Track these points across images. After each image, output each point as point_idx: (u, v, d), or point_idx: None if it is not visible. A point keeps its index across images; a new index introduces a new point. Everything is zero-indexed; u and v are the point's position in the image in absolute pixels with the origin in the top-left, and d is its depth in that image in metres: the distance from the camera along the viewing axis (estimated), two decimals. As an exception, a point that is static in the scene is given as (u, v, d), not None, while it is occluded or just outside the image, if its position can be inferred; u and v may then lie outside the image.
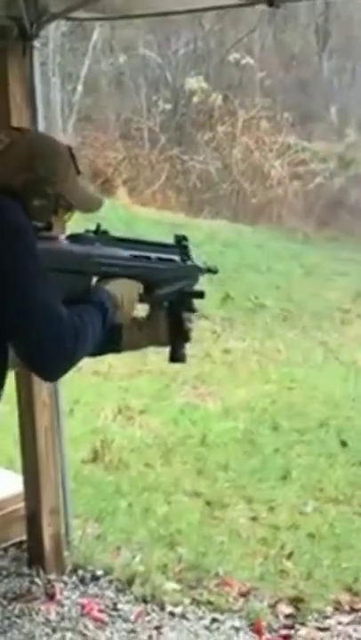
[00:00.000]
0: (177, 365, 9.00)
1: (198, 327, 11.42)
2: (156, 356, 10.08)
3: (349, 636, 3.71)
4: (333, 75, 21.34)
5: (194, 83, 17.49)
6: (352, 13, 22.15)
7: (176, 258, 2.33)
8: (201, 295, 2.34)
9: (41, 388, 3.65)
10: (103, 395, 8.15)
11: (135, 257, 2.25)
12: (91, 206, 2.24)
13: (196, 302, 2.38)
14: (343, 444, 7.17)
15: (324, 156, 17.20)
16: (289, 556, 4.63)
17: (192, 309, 2.35)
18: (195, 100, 17.44)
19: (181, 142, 17.73)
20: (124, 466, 6.24)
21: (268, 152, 17.06)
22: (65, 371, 2.04)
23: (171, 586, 3.80)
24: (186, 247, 2.36)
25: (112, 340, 2.24)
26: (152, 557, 4.10)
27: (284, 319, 12.25)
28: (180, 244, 2.35)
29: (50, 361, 1.99)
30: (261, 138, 17.18)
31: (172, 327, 2.33)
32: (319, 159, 17.17)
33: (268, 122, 17.48)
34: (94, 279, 2.20)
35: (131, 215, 15.37)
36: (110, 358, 9.35)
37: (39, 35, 3.33)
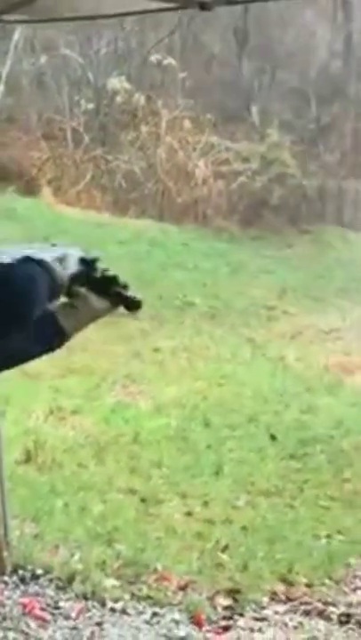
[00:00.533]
0: (106, 364, 9.03)
1: (126, 326, 11.53)
2: (84, 354, 10.13)
3: (286, 625, 3.82)
4: (253, 76, 21.53)
5: (116, 83, 17.50)
6: (270, 15, 22.41)
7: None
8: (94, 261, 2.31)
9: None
10: (34, 395, 8.14)
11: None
12: None
13: None
14: (273, 438, 7.31)
15: (246, 155, 17.36)
16: (224, 549, 4.73)
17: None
18: (118, 99, 17.46)
19: (105, 142, 17.73)
20: (57, 466, 6.26)
21: (191, 152, 17.16)
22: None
23: (110, 582, 3.86)
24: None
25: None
26: (91, 555, 4.16)
27: (211, 317, 12.37)
28: None
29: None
30: (185, 138, 17.28)
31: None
32: (242, 159, 17.32)
33: (191, 122, 17.58)
34: None
35: (55, 215, 15.34)
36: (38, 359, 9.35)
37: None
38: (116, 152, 17.36)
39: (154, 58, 17.72)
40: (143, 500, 5.56)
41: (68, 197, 16.23)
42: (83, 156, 17.02)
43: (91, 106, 17.69)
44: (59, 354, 7.88)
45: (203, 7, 3.12)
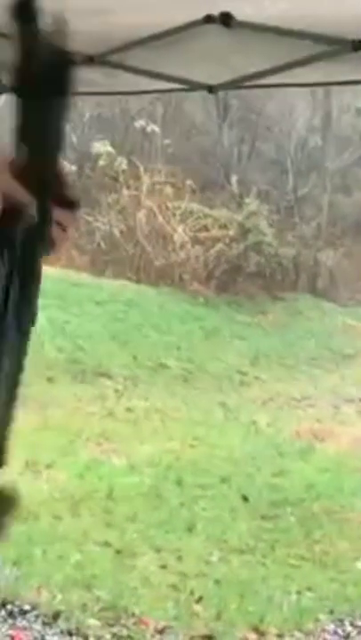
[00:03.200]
0: (80, 422, 9.18)
1: (101, 385, 11.69)
2: (59, 410, 10.28)
3: (258, 671, 3.97)
4: (233, 145, 22.05)
5: (100, 147, 17.89)
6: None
7: None
8: None
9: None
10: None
11: None
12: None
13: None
14: (245, 499, 7.48)
15: (224, 222, 17.75)
16: (198, 600, 4.88)
17: None
18: (100, 163, 17.83)
19: (86, 204, 18.06)
20: (33, 517, 6.36)
21: (171, 217, 17.52)
22: None
23: (93, 622, 4.00)
24: None
25: None
26: (72, 597, 4.29)
27: (184, 379, 12.57)
28: None
29: None
30: (165, 203, 17.65)
31: None
32: (220, 226, 17.70)
33: (172, 188, 17.98)
34: None
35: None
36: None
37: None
38: (96, 214, 17.68)
39: (138, 124, 18.16)
40: (118, 552, 5.70)
41: (47, 256, 16.45)
42: (63, 216, 17.29)
43: (73, 168, 18.03)
44: (33, 409, 8.19)
45: (210, 90, 3.39)
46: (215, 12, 2.88)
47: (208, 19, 2.92)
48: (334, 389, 13.43)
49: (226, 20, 2.89)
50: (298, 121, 22.23)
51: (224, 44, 2.99)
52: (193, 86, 3.46)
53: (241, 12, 2.87)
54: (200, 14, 2.92)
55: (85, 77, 3.37)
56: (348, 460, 9.63)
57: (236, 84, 3.35)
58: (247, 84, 3.36)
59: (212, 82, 3.38)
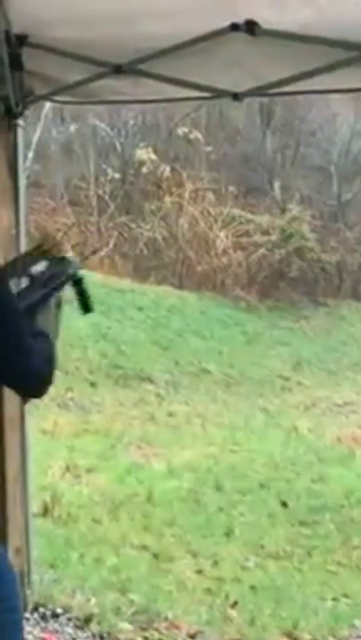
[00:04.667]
0: (121, 426, 9.26)
1: (142, 390, 11.75)
2: (100, 415, 10.36)
3: None
4: (276, 151, 22.02)
5: (143, 154, 17.96)
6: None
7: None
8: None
9: (12, 435, 3.90)
10: (51, 453, 8.33)
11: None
12: None
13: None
14: (283, 504, 7.47)
15: (266, 228, 17.73)
16: (233, 605, 4.89)
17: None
18: (143, 170, 17.91)
19: (129, 210, 18.16)
20: (72, 520, 6.44)
21: (213, 223, 17.54)
22: (44, 388, 2.36)
23: (125, 626, 4.03)
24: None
25: None
26: (106, 600, 4.33)
27: (226, 385, 12.58)
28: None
29: (34, 382, 2.32)
30: (207, 209, 17.68)
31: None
32: (262, 231, 17.68)
33: (214, 194, 18.00)
34: None
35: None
36: (55, 417, 9.60)
37: (24, 114, 3.66)
38: (139, 220, 17.76)
39: (180, 131, 18.20)
40: (155, 556, 5.73)
41: (91, 262, 16.56)
42: (107, 224, 17.43)
43: (117, 175, 18.14)
44: (75, 413, 8.30)
45: (235, 98, 3.42)
46: (240, 19, 2.91)
47: (234, 27, 2.95)
48: (377, 395, 13.36)
49: (251, 27, 2.92)
50: (342, 126, 22.14)
51: (249, 51, 3.02)
52: (218, 94, 3.49)
53: (265, 20, 2.90)
54: (225, 22, 2.95)
55: (113, 86, 3.43)
56: (389, 465, 9.58)
57: (261, 91, 3.37)
58: (272, 91, 3.38)
59: (238, 89, 3.41)
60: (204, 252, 17.22)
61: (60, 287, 2.56)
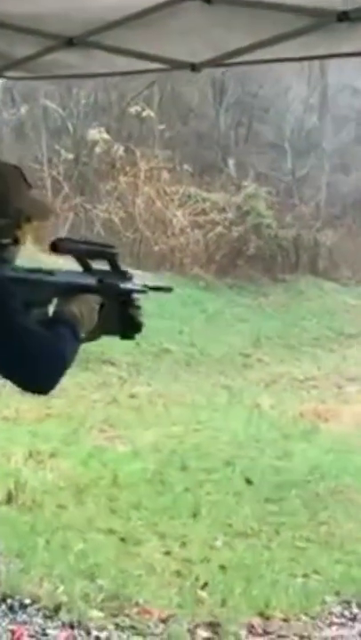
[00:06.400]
0: (84, 409, 9.16)
1: (104, 373, 11.66)
2: (62, 399, 10.24)
3: (264, 657, 3.93)
4: (230, 128, 21.94)
5: (96, 133, 17.79)
6: (247, 69, 22.87)
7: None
8: (144, 292, 2.63)
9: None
10: (13, 439, 8.22)
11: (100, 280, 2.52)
12: (45, 214, 2.49)
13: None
14: (249, 482, 7.43)
15: (223, 206, 17.67)
16: (203, 586, 4.83)
17: (137, 306, 2.62)
18: (97, 150, 17.74)
19: (84, 191, 17.98)
20: (37, 507, 6.34)
21: (169, 202, 17.44)
22: (56, 382, 2.33)
23: (95, 613, 3.97)
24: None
25: None
26: (74, 588, 4.26)
27: (187, 364, 12.54)
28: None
29: (44, 377, 2.24)
30: (163, 188, 17.57)
31: (122, 319, 2.59)
32: (219, 209, 17.62)
33: (169, 172, 17.89)
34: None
35: (35, 262, 15.47)
36: (17, 403, 9.48)
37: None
38: (94, 201, 17.60)
39: (133, 109, 18.05)
40: (123, 540, 5.65)
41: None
42: (62, 205, 17.24)
43: (70, 156, 17.94)
44: (36, 399, 8.15)
45: (193, 68, 3.32)
46: (194, -12, 2.81)
47: (188, -5, 2.85)
48: (337, 369, 13.40)
49: (206, -6, 2.82)
50: (294, 102, 22.13)
51: (205, 20, 2.93)
52: (175, 65, 3.40)
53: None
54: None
55: (65, 60, 3.32)
56: (352, 439, 9.59)
57: (219, 61, 3.28)
58: (231, 60, 3.29)
59: (195, 60, 3.32)
60: (161, 231, 17.12)
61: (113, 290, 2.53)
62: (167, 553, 5.48)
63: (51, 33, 3.23)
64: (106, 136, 17.54)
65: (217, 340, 13.77)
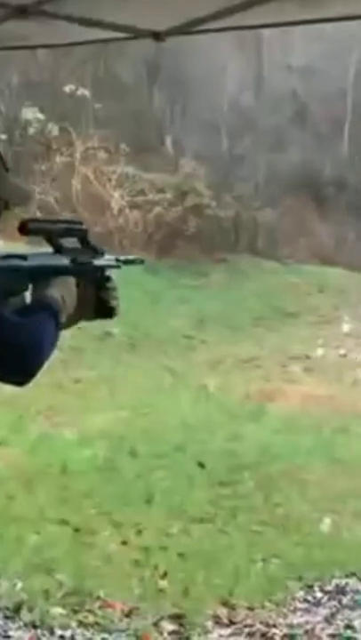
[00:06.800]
0: (28, 395, 8.93)
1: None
2: (4, 385, 10.00)
3: (233, 648, 3.83)
4: (165, 107, 21.76)
5: (29, 113, 17.46)
6: (181, 47, 22.68)
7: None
8: (117, 266, 2.53)
9: None
10: None
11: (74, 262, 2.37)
12: (23, 199, 2.31)
13: None
14: (201, 466, 7.34)
15: (161, 186, 17.49)
16: (163, 575, 4.72)
17: (112, 287, 2.49)
18: (31, 130, 17.41)
19: (19, 173, 17.64)
20: (-15, 498, 6.17)
21: (106, 182, 17.20)
22: (36, 373, 2.15)
23: (57, 611, 3.82)
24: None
25: None
26: (33, 584, 4.10)
27: (131, 347, 12.39)
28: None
29: (24, 369, 2.07)
30: (99, 168, 17.32)
31: (97, 302, 2.45)
32: (157, 189, 17.44)
33: (105, 152, 17.65)
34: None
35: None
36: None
37: None
38: (29, 183, 17.27)
39: (67, 88, 17.74)
40: (77, 530, 5.51)
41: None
42: (-4, 187, 16.89)
43: (3, 136, 17.59)
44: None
45: (156, 37, 3.16)
46: None
47: None
48: (281, 349, 13.36)
49: None
50: (230, 80, 22.03)
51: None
52: (138, 33, 3.23)
53: None
54: None
55: (16, 31, 3.13)
56: (300, 419, 9.56)
57: (183, 29, 3.13)
58: (196, 28, 3.13)
59: (159, 28, 3.15)
60: (99, 212, 16.88)
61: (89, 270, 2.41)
62: (123, 542, 5.36)
63: (0, 2, 3.04)
64: (40, 116, 17.22)
65: (159, 321, 13.64)
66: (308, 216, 20.19)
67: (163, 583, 4.57)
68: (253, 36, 20.95)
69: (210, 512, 6.11)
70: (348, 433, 8.95)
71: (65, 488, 6.46)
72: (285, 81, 22.66)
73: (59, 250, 2.36)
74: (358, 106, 23.70)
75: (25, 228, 2.24)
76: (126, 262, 2.63)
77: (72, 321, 2.39)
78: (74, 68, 19.60)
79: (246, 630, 4.01)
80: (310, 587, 4.76)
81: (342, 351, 13.15)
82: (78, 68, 19.58)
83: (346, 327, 14.24)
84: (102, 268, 2.48)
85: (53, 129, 17.46)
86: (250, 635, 3.96)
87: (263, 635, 3.99)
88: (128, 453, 7.50)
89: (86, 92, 17.93)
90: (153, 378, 11.10)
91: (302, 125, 22.90)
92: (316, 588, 4.74)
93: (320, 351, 13.08)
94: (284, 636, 4.00)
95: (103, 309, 2.48)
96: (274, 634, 4.00)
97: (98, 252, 2.47)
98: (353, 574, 4.93)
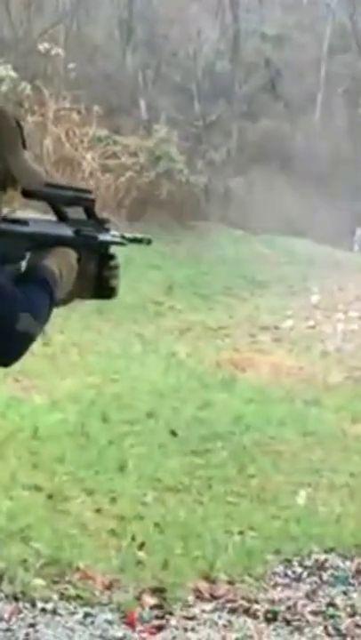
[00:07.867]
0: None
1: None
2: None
3: (216, 624, 3.75)
4: (138, 70, 21.46)
5: (2, 70, 17.09)
6: (155, 10, 22.38)
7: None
8: (122, 244, 2.31)
9: None
10: None
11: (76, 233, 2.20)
12: (34, 181, 2.10)
13: None
14: (173, 433, 7.25)
15: (134, 150, 17.26)
16: (141, 546, 4.63)
17: (115, 266, 2.31)
18: (3, 88, 17.05)
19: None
20: None
21: (79, 144, 16.93)
22: (24, 351, 1.99)
23: (37, 582, 3.71)
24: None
25: None
26: (10, 553, 3.99)
27: (99, 312, 12.23)
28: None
29: (9, 343, 1.92)
30: (72, 129, 17.04)
31: (97, 279, 2.28)
32: (130, 153, 17.20)
33: (78, 114, 17.36)
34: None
35: None
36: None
37: None
38: (-1, 141, 16.97)
39: (42, 47, 17.39)
40: (50, 497, 5.39)
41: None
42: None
43: (-27, 93, 17.23)
44: None
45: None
46: None
47: None
48: (250, 318, 13.32)
49: None
50: (204, 45, 21.79)
51: None
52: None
53: None
54: None
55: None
56: (270, 389, 9.54)
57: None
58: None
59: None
60: (70, 174, 16.61)
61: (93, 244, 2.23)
62: (98, 510, 5.25)
63: None
64: (12, 73, 16.85)
65: (129, 287, 13.43)
66: (278, 186, 20.07)
67: (141, 554, 4.47)
68: (230, 2, 20.75)
69: (184, 482, 6.03)
70: (319, 405, 8.93)
71: (36, 453, 6.33)
72: (259, 48, 22.46)
73: (63, 218, 2.19)
74: (331, 77, 23.62)
75: (30, 191, 2.07)
76: (133, 240, 2.47)
77: (67, 299, 2.21)
78: (47, 28, 19.26)
79: (229, 606, 3.93)
80: (289, 561, 4.70)
81: (311, 322, 13.12)
82: (52, 27, 19.24)
83: (314, 298, 14.19)
84: (107, 245, 2.30)
85: (26, 88, 17.11)
86: (232, 610, 3.89)
87: (246, 610, 3.92)
88: (99, 419, 7.39)
89: (60, 52, 17.59)
90: (122, 343, 10.99)
91: (274, 94, 22.75)
92: (296, 563, 4.68)
93: (289, 322, 13.03)
94: (267, 611, 3.92)
95: (103, 289, 2.30)
96: (256, 610, 3.93)
97: (103, 226, 2.29)
98: (332, 550, 4.88)
